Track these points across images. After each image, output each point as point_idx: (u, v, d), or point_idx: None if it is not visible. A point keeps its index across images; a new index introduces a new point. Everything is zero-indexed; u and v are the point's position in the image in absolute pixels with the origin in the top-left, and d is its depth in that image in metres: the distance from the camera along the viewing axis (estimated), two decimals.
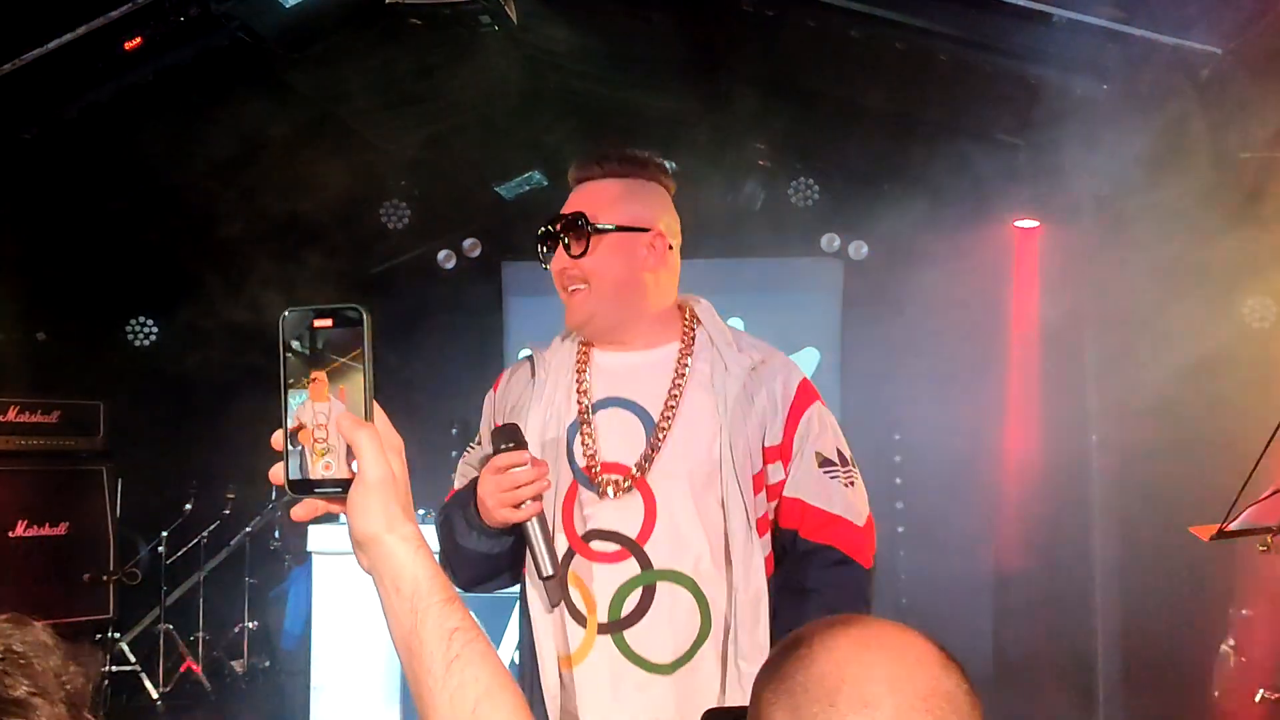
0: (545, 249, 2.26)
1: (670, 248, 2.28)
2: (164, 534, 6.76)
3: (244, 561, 7.02)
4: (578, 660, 2.13)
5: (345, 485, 1.16)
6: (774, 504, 2.16)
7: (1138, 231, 5.24)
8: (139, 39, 4.87)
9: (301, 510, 1.21)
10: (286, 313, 1.15)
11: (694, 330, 2.26)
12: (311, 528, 5.13)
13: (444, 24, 4.66)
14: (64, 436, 6.88)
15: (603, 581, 2.12)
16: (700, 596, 2.10)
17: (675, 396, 2.16)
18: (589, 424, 2.18)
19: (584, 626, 2.12)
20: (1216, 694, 5.37)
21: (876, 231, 7.46)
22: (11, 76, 4.96)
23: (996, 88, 5.19)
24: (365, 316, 1.14)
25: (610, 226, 2.21)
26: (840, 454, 2.20)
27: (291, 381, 1.15)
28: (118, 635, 6.75)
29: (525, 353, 2.38)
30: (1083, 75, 4.77)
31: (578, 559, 2.14)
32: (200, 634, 6.89)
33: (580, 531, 2.15)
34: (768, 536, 2.15)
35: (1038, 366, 6.48)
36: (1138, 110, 4.59)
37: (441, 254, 8.01)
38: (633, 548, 2.11)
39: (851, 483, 2.18)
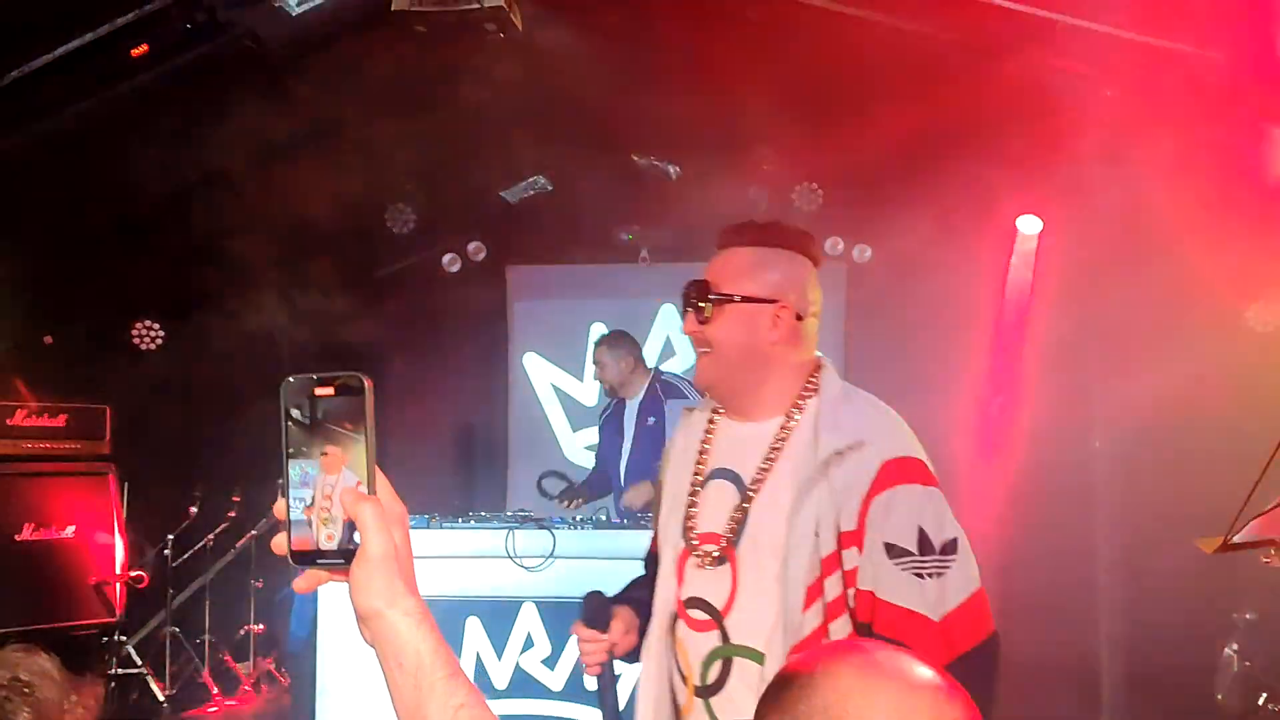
0: (683, 310, 2.29)
1: (800, 318, 2.23)
2: (170, 537, 6.77)
3: (250, 565, 7.03)
4: (685, 715, 2.21)
5: (348, 557, 1.14)
6: (851, 591, 2.04)
7: (1142, 237, 5.25)
8: (145, 46, 4.89)
9: (303, 582, 1.18)
10: (287, 380, 1.13)
11: (806, 401, 2.20)
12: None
13: (449, 30, 4.67)
14: (71, 440, 6.90)
15: (695, 649, 2.17)
16: (764, 670, 2.05)
17: (764, 470, 2.14)
18: (697, 494, 2.23)
19: (686, 687, 2.20)
20: (1220, 698, 5.38)
21: (880, 235, 7.47)
22: (19, 82, 4.99)
23: (1002, 93, 5.20)
24: (367, 385, 1.13)
25: (734, 296, 2.20)
26: (924, 539, 2.02)
27: (292, 451, 1.12)
28: (124, 638, 6.77)
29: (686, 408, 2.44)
30: (1089, 81, 4.79)
31: (680, 624, 2.21)
32: (207, 637, 6.90)
33: (683, 597, 2.20)
34: (843, 620, 2.04)
35: (1041, 369, 6.48)
36: (1143, 116, 4.60)
37: (446, 258, 8.02)
38: (717, 619, 2.14)
39: (933, 574, 2.01)
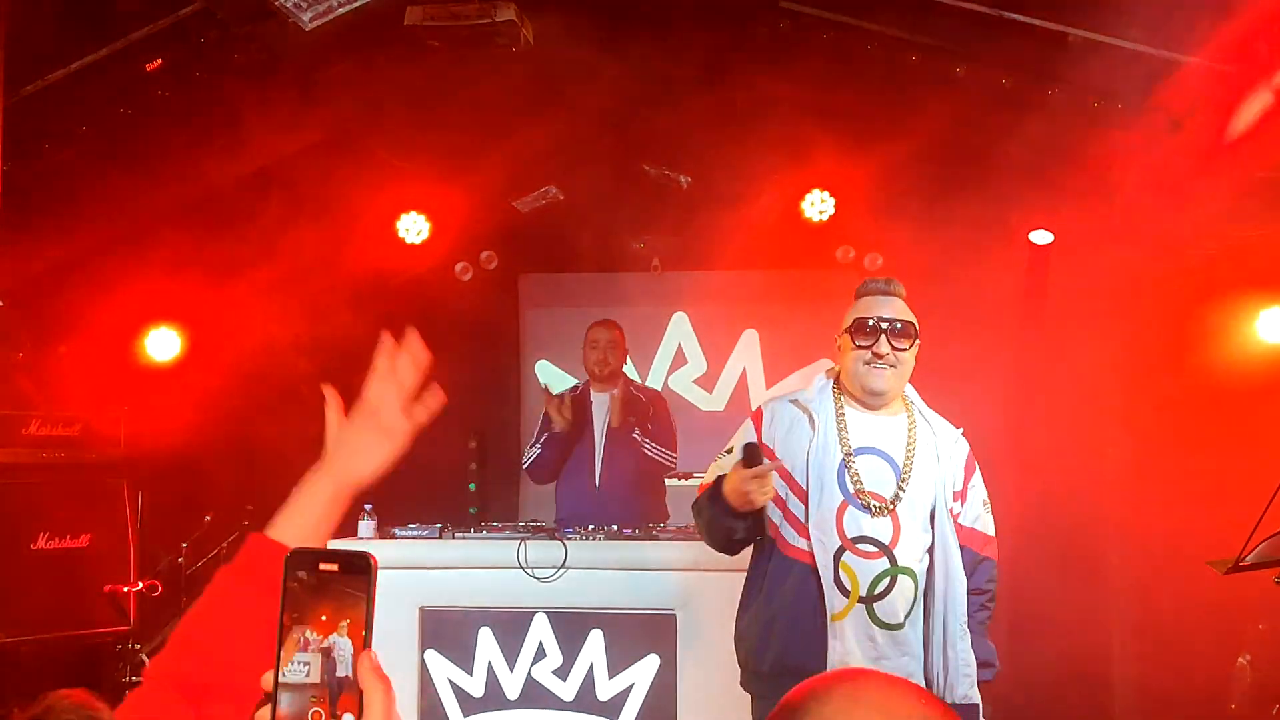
0: (871, 336, 3.29)
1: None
2: (184, 545, 6.79)
3: None
4: (838, 619, 3.18)
5: None
6: (951, 524, 3.30)
7: (1153, 249, 5.25)
8: (160, 60, 4.93)
9: None
10: (292, 551, 1.12)
11: (912, 407, 3.42)
12: (330, 541, 5.15)
13: (462, 45, 4.70)
14: (85, 449, 6.93)
15: (863, 571, 3.19)
16: (917, 583, 3.25)
17: (911, 452, 3.28)
18: (852, 463, 3.25)
19: (847, 598, 3.18)
20: (1233, 707, 5.37)
21: (891, 244, 7.47)
22: (36, 97, 5.03)
23: (1013, 105, 5.21)
24: (373, 565, 1.13)
25: (916, 333, 3.38)
26: (985, 501, 3.44)
27: (288, 619, 1.09)
28: (138, 646, 6.79)
29: (792, 398, 3.43)
30: (1098, 93, 4.79)
31: (848, 554, 3.19)
32: None
33: (850, 535, 3.20)
34: (955, 543, 3.29)
35: (1052, 379, 6.47)
36: (1153, 128, 4.60)
37: (458, 266, 8.04)
38: (886, 550, 3.21)
39: (990, 514, 3.47)
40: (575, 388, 5.85)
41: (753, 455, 3.04)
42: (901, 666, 3.19)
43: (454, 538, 5.09)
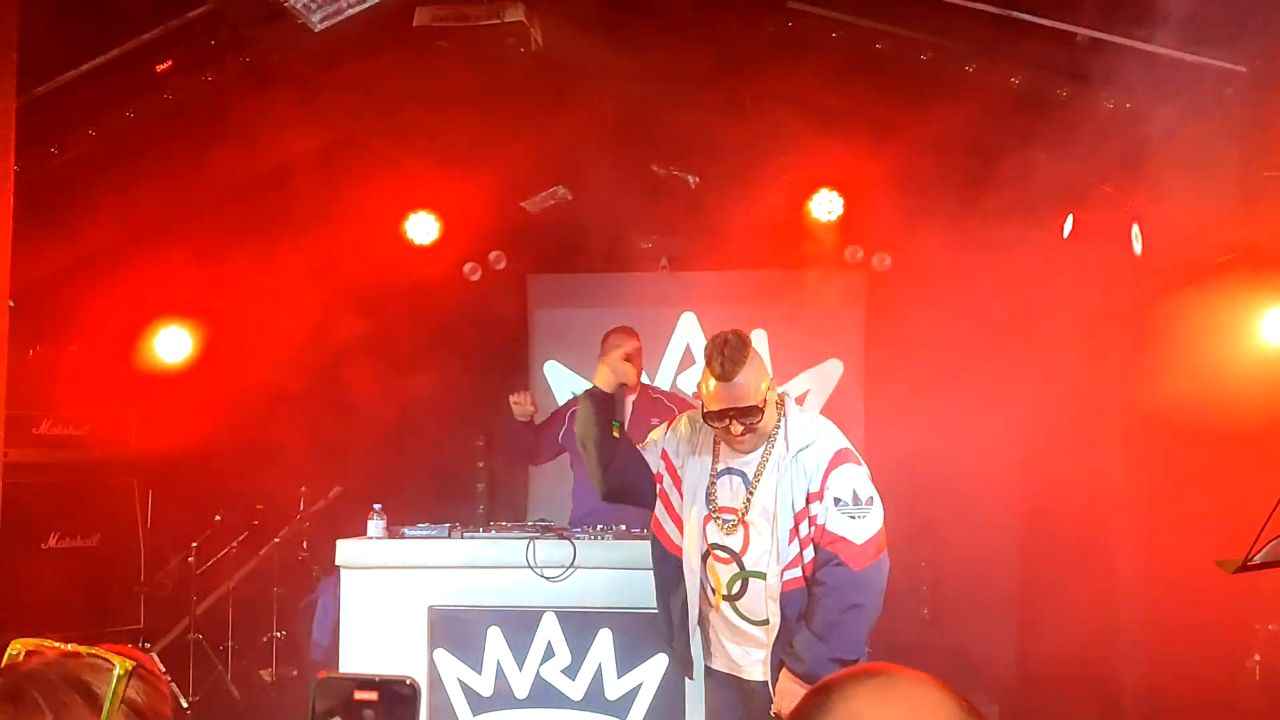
0: (720, 422, 3.61)
1: (769, 389, 3.66)
2: (194, 545, 6.81)
3: (272, 572, 7.08)
4: (716, 611, 3.77)
5: None
6: (813, 528, 3.58)
7: (1162, 248, 5.24)
8: (170, 61, 4.95)
9: None
10: (320, 678, 0.98)
11: (780, 423, 3.69)
12: (339, 541, 5.18)
13: (470, 45, 4.71)
14: (95, 448, 6.97)
15: (722, 574, 3.71)
16: (768, 584, 3.61)
17: (761, 468, 3.66)
18: (715, 483, 3.74)
19: (714, 595, 3.74)
20: (1243, 708, 5.36)
21: (899, 243, 7.48)
22: (47, 97, 5.05)
23: (1022, 104, 5.20)
24: (419, 691, 0.97)
25: (760, 406, 3.59)
26: (855, 495, 3.58)
27: None
28: (148, 645, 6.83)
29: (688, 415, 3.95)
30: (1107, 93, 4.79)
31: (710, 560, 3.72)
32: (230, 643, 6.95)
33: (711, 542, 3.72)
34: (811, 548, 3.59)
35: (1062, 378, 6.47)
36: (1162, 127, 4.60)
37: (467, 266, 8.06)
38: (736, 557, 3.69)
39: (856, 516, 3.56)
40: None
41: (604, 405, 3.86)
42: (750, 655, 3.72)
43: (463, 537, 5.11)
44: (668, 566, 3.85)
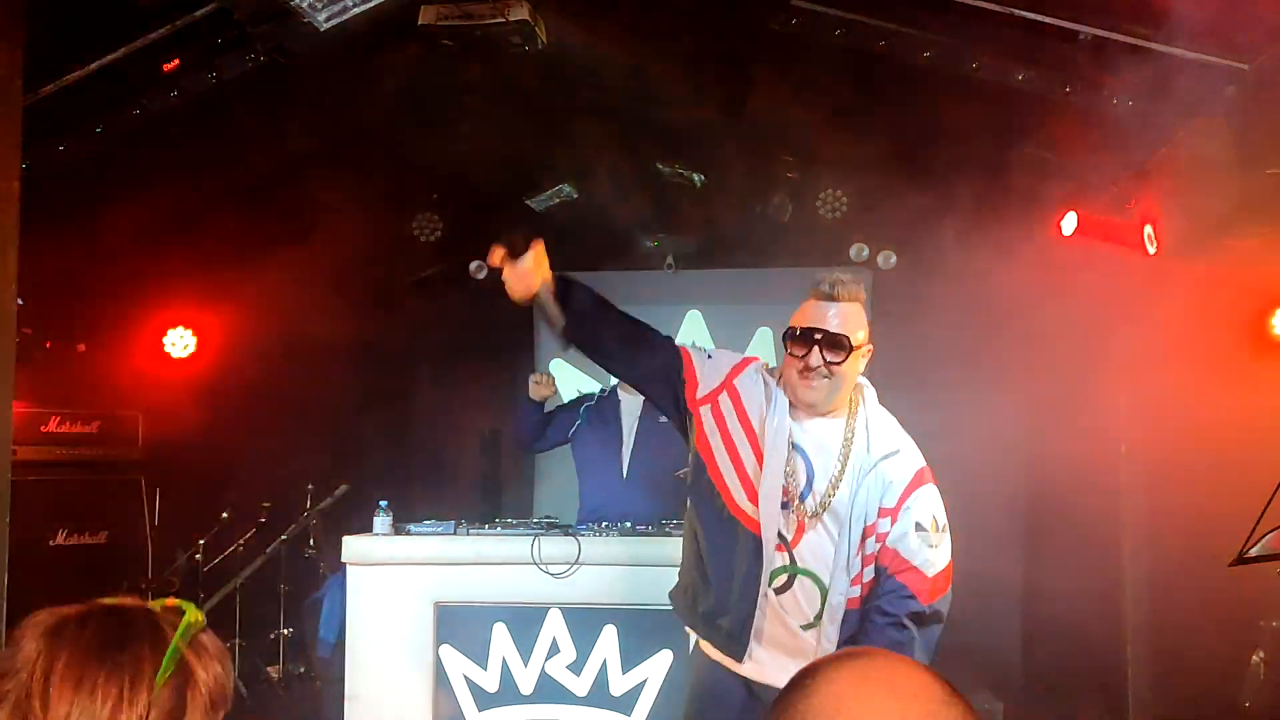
0: (803, 347, 3.10)
1: (865, 352, 3.19)
2: (201, 542, 6.83)
3: (279, 569, 7.10)
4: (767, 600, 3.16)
5: None
6: (879, 546, 3.11)
7: (1167, 245, 5.25)
8: (177, 60, 4.97)
9: None
10: None
11: (857, 408, 3.20)
12: (346, 538, 5.20)
13: (475, 44, 4.73)
14: (103, 446, 7.00)
15: (772, 560, 3.12)
16: (823, 589, 3.12)
17: (835, 460, 3.13)
18: (792, 453, 3.14)
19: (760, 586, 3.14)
20: (1247, 705, 5.36)
21: (905, 241, 7.48)
22: (54, 96, 5.08)
23: (1025, 102, 5.21)
24: None
25: (859, 347, 3.13)
26: (935, 520, 3.14)
27: None
28: None
29: (762, 366, 3.30)
30: (1110, 90, 4.79)
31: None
32: (236, 640, 6.97)
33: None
34: (872, 566, 3.13)
35: (1067, 377, 6.47)
36: (1164, 125, 4.60)
37: (473, 265, 8.08)
38: (788, 547, 3.14)
39: (934, 545, 3.12)
40: (604, 390, 5.92)
41: (515, 245, 3.15)
42: (783, 666, 3.10)
43: (469, 534, 5.12)
44: (734, 534, 3.18)
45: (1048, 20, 4.51)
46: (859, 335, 3.12)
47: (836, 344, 3.07)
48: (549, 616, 4.93)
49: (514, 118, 6.38)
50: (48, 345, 6.75)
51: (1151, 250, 5.53)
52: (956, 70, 5.10)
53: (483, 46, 4.76)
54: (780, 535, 3.11)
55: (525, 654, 4.93)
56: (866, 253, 7.71)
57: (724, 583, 3.19)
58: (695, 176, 7.21)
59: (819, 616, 3.12)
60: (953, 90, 5.38)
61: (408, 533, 5.19)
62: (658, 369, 3.27)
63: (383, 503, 5.28)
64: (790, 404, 3.15)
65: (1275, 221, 4.40)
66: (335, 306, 7.03)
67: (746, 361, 3.29)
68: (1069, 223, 6.03)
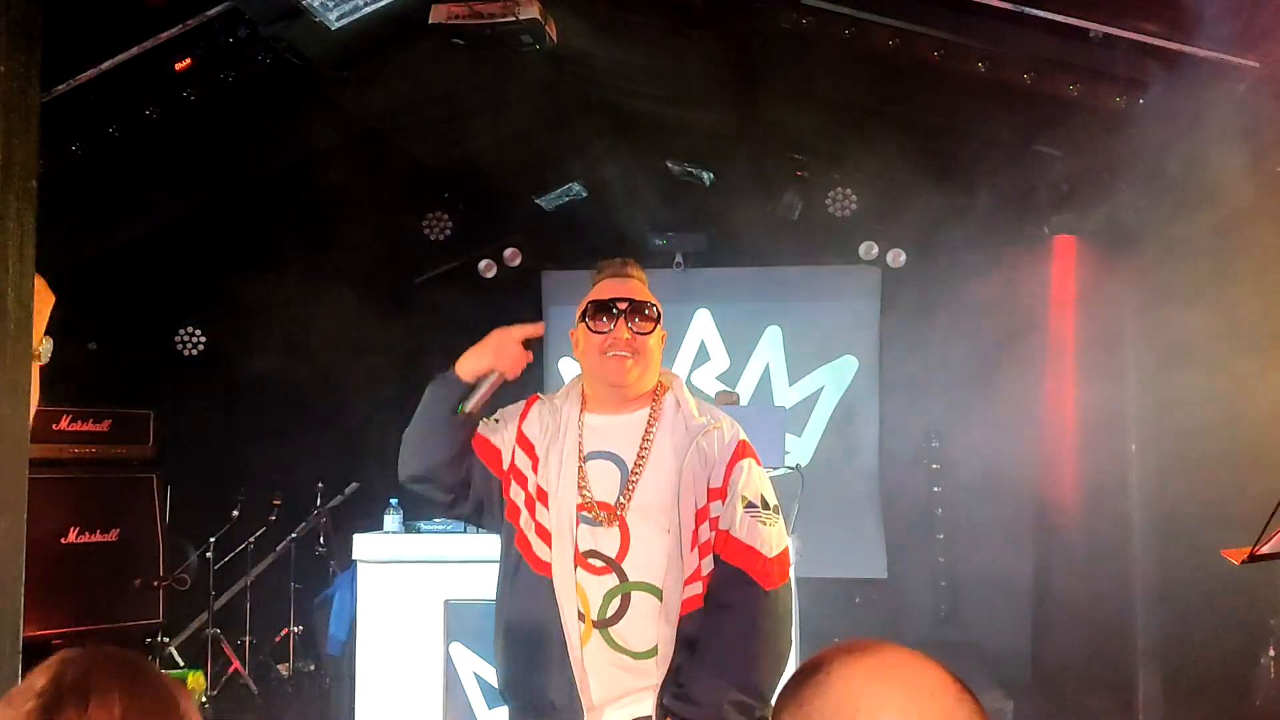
0: (604, 320, 2.76)
1: (662, 336, 2.84)
2: (212, 540, 6.85)
3: (290, 567, 7.12)
4: (583, 646, 2.68)
5: None
6: (713, 533, 2.69)
7: (1176, 242, 5.24)
8: (189, 60, 4.99)
9: None
10: None
11: (662, 396, 2.82)
12: (356, 536, 5.21)
13: (485, 44, 4.74)
14: (115, 445, 7.02)
15: (593, 590, 2.68)
16: (664, 601, 2.66)
17: (645, 448, 2.75)
18: (584, 469, 2.75)
19: (583, 623, 2.68)
20: (1257, 704, 5.35)
21: (914, 239, 7.48)
22: (67, 95, 5.10)
23: (1035, 101, 5.21)
24: None
25: (658, 313, 2.79)
26: (763, 499, 2.73)
27: None
28: (167, 639, 6.89)
29: (544, 399, 2.91)
30: (1120, 89, 4.79)
31: (580, 570, 2.70)
32: (247, 638, 6.99)
33: (582, 549, 2.70)
34: (710, 557, 2.68)
35: (1076, 376, 6.47)
36: (1175, 124, 4.59)
37: (483, 263, 8.10)
38: (614, 565, 2.69)
39: (767, 523, 2.70)
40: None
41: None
42: (640, 700, 2.68)
43: (479, 532, 5.12)
44: (536, 594, 2.70)
45: (1059, 19, 4.50)
46: (657, 308, 2.81)
47: (643, 313, 2.76)
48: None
49: (523, 117, 6.39)
50: (51, 353, 6.76)
51: (1158, 248, 5.53)
52: (967, 69, 5.09)
53: (493, 45, 4.77)
54: (597, 557, 2.67)
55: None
56: (876, 251, 7.71)
57: (535, 654, 2.69)
58: (705, 175, 7.22)
59: (657, 636, 2.66)
60: (963, 89, 5.38)
61: (418, 530, 5.20)
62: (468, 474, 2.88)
63: (393, 500, 5.29)
64: (583, 408, 2.82)
65: None
66: (345, 304, 7.04)
67: (531, 400, 2.93)
68: (1077, 222, 6.03)
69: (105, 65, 5.02)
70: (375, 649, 5.03)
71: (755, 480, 2.75)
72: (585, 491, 2.71)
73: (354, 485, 6.94)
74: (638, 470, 2.72)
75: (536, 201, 7.46)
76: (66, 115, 5.25)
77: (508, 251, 8.08)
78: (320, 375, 7.26)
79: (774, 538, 2.70)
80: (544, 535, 2.73)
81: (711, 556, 2.68)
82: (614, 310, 2.76)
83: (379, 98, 5.69)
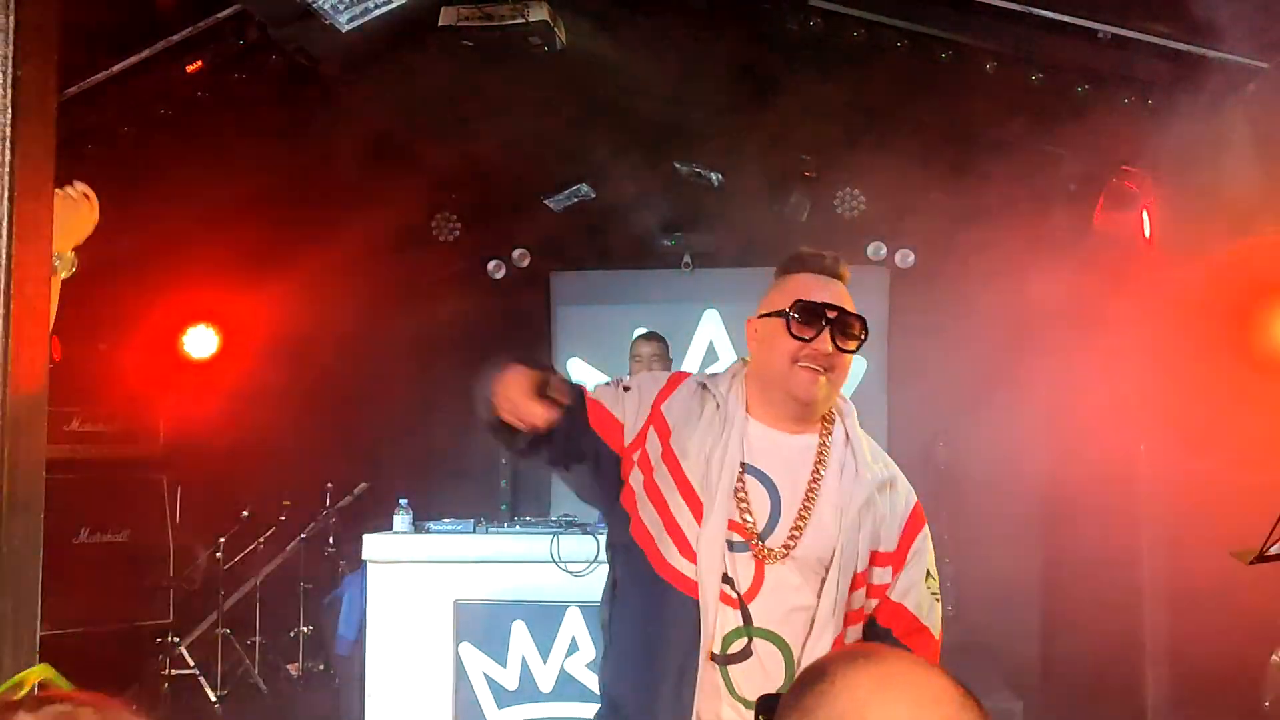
0: (811, 327, 2.39)
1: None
2: (221, 540, 6.88)
3: (299, 567, 7.14)
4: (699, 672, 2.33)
5: None
6: (874, 602, 2.40)
7: (1184, 242, 5.24)
8: (200, 61, 5.01)
9: None
10: None
11: (832, 426, 2.48)
12: (366, 536, 5.23)
13: (494, 45, 4.75)
14: (124, 445, 7.05)
15: (721, 622, 2.33)
16: (789, 655, 2.32)
17: (810, 484, 2.38)
18: (743, 480, 2.37)
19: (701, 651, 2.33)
20: (1267, 704, 5.34)
21: (923, 240, 7.48)
22: (79, 97, 5.12)
23: (1042, 101, 5.21)
24: None
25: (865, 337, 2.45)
26: (933, 572, 2.47)
27: None
28: (177, 639, 6.91)
29: (698, 380, 2.53)
30: (1128, 89, 4.79)
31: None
32: (257, 638, 7.01)
33: (724, 572, 2.34)
34: (858, 627, 2.40)
35: (1085, 376, 6.46)
36: (1185, 124, 4.60)
37: (491, 264, 8.11)
38: (741, 603, 2.33)
39: (939, 599, 2.47)
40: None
41: (547, 384, 2.39)
42: None
43: (488, 532, 5.15)
44: (667, 602, 2.34)
45: (1067, 19, 4.51)
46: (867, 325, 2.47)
47: (850, 329, 2.41)
48: (568, 614, 4.95)
49: (532, 118, 6.40)
50: (61, 354, 6.78)
51: (1171, 249, 5.52)
52: (975, 69, 5.10)
53: (502, 47, 4.78)
54: (730, 586, 2.32)
55: (544, 652, 4.95)
56: (884, 251, 7.71)
57: (651, 672, 2.36)
58: (713, 175, 7.22)
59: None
60: (972, 89, 5.39)
61: (427, 531, 5.22)
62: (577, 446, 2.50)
63: (402, 501, 5.31)
64: (746, 414, 2.44)
65: None
66: (354, 305, 7.06)
67: (678, 378, 2.55)
68: (1084, 223, 6.02)
69: (115, 68, 5.04)
70: (384, 649, 5.05)
71: (931, 548, 2.47)
72: (747, 515, 2.34)
73: (363, 485, 6.95)
74: (799, 508, 2.36)
75: (545, 202, 7.47)
76: (79, 117, 5.27)
77: (516, 252, 8.09)
78: (330, 375, 7.28)
79: (938, 615, 2.48)
80: (677, 537, 2.36)
81: (861, 626, 2.41)
82: (824, 318, 2.39)
83: (389, 99, 5.70)
